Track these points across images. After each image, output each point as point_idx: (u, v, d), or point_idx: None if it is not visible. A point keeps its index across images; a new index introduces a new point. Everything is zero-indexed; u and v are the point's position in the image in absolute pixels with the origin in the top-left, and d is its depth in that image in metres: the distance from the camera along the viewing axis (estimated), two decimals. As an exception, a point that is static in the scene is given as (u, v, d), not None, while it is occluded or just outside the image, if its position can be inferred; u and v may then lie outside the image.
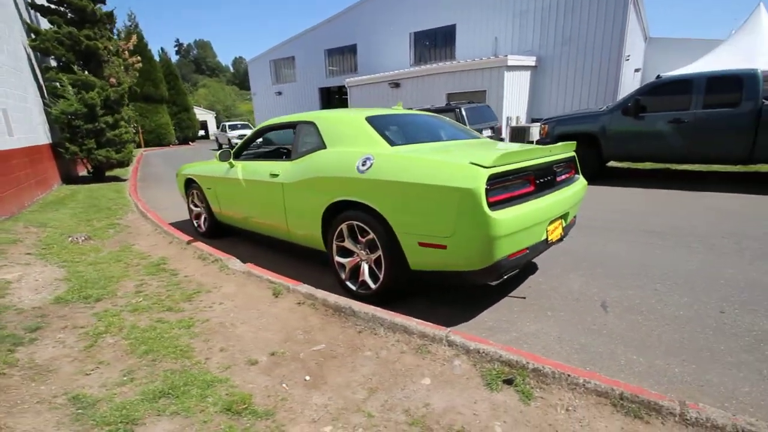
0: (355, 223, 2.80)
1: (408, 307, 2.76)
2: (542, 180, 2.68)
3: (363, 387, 1.93)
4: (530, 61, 15.39)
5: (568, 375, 1.80)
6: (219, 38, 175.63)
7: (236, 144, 20.37)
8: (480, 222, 2.16)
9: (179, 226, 5.30)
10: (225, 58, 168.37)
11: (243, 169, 3.88)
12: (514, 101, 14.68)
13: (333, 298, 2.72)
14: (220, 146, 24.19)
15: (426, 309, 2.77)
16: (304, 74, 24.39)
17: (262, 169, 3.61)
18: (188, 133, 31.41)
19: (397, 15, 19.54)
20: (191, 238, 4.47)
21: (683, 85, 6.37)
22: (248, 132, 22.80)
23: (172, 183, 10.45)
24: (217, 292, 3.10)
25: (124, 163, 9.97)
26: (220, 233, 4.82)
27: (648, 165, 8.51)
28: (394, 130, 3.09)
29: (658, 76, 6.95)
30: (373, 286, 2.80)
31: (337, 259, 3.03)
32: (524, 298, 2.89)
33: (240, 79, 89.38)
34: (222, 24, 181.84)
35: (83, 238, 4.65)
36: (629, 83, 16.84)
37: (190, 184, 4.92)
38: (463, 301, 2.89)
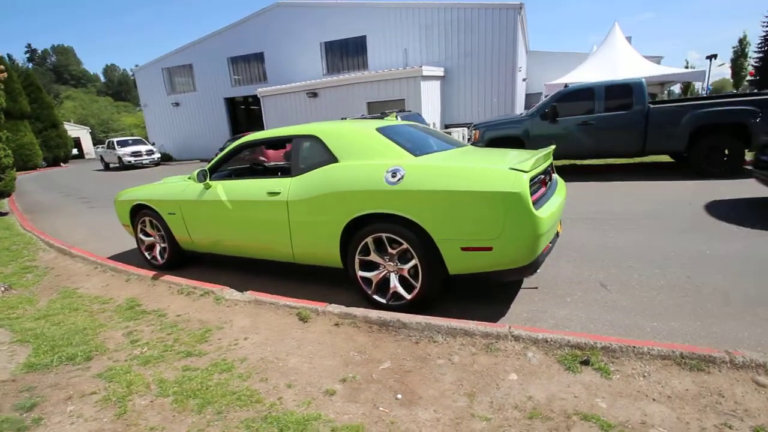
0: (385, 235, 2.78)
1: (440, 311, 2.83)
2: (548, 181, 3.00)
3: (459, 394, 1.96)
4: (440, 71, 16.55)
5: (633, 347, 2.07)
6: (83, 43, 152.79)
7: (130, 162, 18.23)
8: (528, 222, 2.35)
9: (120, 259, 4.59)
10: (92, 66, 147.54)
11: (225, 189, 3.54)
12: (429, 109, 15.60)
13: (374, 313, 2.67)
14: (106, 166, 21.20)
15: (460, 311, 2.87)
16: (205, 83, 22.66)
17: (255, 187, 3.35)
18: (59, 152, 26.91)
19: (306, 24, 19.38)
20: (155, 272, 3.92)
21: (587, 92, 7.54)
22: (143, 147, 20.39)
23: (70, 210, 8.86)
24: (229, 327, 2.79)
25: (3, 194, 8.18)
26: (181, 263, 4.31)
27: (566, 161, 9.82)
28: (404, 141, 3.15)
29: (566, 86, 8.08)
30: (407, 296, 2.82)
31: (361, 273, 2.97)
32: (536, 288, 3.18)
33: (114, 89, 79.15)
34: (85, 26, 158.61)
35: (2, 289, 3.76)
36: (520, 92, 19.16)
37: (138, 211, 4.30)
38: (486, 299, 3.06)
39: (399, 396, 1.97)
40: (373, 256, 2.90)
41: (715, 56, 32.28)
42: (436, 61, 17.05)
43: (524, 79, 21.91)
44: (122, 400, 2.01)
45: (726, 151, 6.77)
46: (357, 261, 2.96)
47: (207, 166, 3.79)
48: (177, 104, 23.65)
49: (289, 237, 3.21)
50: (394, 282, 2.87)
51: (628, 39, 18.37)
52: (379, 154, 2.92)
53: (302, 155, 3.25)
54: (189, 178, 4.19)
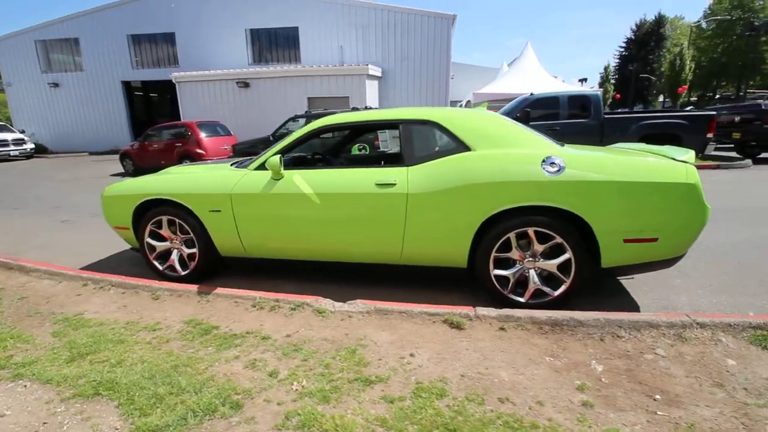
0: (533, 229, 2.61)
1: (570, 307, 2.75)
2: None
3: (707, 385, 1.90)
4: (379, 72, 16.58)
5: (809, 323, 2.27)
6: None
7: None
8: (700, 212, 2.42)
9: (95, 269, 3.56)
10: None
11: (308, 180, 2.95)
12: (373, 108, 15.50)
13: (540, 313, 2.47)
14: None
15: (593, 306, 2.83)
16: (96, 62, 19.11)
17: (357, 178, 2.86)
18: None
19: (229, 7, 17.66)
20: (185, 285, 3.12)
21: (553, 100, 8.27)
22: (10, 136, 16.25)
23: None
24: (373, 344, 2.32)
25: None
26: (212, 274, 3.50)
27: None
28: (532, 130, 2.99)
29: (531, 94, 8.74)
30: (554, 293, 2.68)
31: (497, 272, 2.74)
32: (633, 277, 3.31)
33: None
34: None
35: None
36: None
37: (149, 209, 3.37)
38: (596, 293, 3.08)
39: (657, 397, 1.84)
40: (514, 253, 2.70)
41: (585, 80, 38.49)
42: (372, 61, 17.04)
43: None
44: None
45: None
46: (492, 258, 2.72)
47: (271, 152, 3.13)
48: (56, 85, 19.48)
49: (402, 234, 2.81)
50: (536, 279, 2.71)
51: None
52: (518, 143, 2.74)
53: (416, 143, 2.88)
54: (234, 166, 3.44)
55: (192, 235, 3.29)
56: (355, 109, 11.09)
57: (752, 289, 3.04)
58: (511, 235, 2.66)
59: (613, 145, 3.53)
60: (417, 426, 1.64)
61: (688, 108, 19.31)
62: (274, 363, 2.13)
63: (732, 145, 10.01)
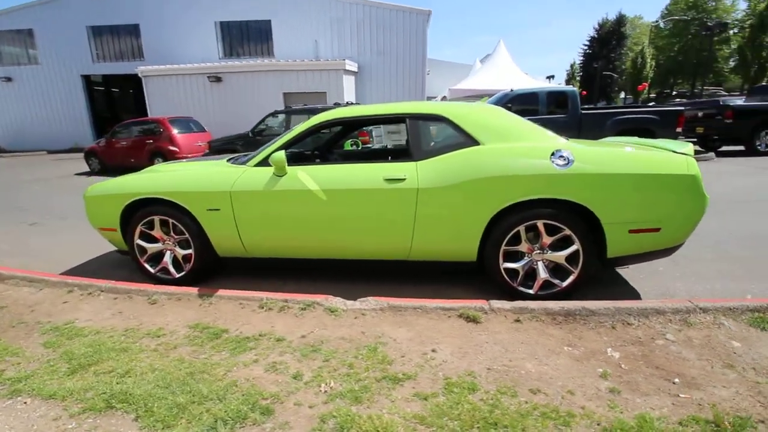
0: (542, 222, 2.65)
1: (577, 297, 2.83)
2: None
3: (718, 367, 1.99)
4: (355, 67, 16.43)
5: (799, 305, 2.42)
6: None
7: None
8: (700, 203, 2.53)
9: (78, 273, 3.36)
10: None
11: (312, 176, 2.88)
12: (355, 104, 15.36)
13: (552, 304, 2.52)
14: None
15: (597, 296, 2.90)
16: (53, 56, 17.96)
17: (364, 173, 2.81)
18: None
19: (197, -1, 16.99)
20: (184, 288, 2.98)
21: (532, 96, 8.45)
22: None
23: None
24: (393, 341, 2.29)
25: None
26: (207, 275, 3.37)
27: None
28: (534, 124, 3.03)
29: (511, 90, 8.90)
30: (562, 283, 2.74)
31: (507, 265, 2.77)
32: (628, 266, 3.43)
33: None
34: None
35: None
36: (424, 93, 20.31)
37: (138, 209, 3.19)
38: (601, 282, 3.17)
39: (676, 380, 1.91)
40: (523, 246, 2.74)
41: (552, 77, 39.68)
42: (348, 56, 16.86)
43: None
44: (406, 453, 1.47)
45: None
46: (502, 252, 2.75)
47: (271, 148, 3.02)
48: (8, 79, 18.18)
49: (411, 230, 2.79)
50: (544, 271, 2.76)
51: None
52: (524, 137, 2.77)
53: (423, 137, 2.86)
54: (230, 162, 3.32)
55: (187, 235, 3.14)
56: (337, 104, 10.94)
57: (739, 275, 3.21)
58: (521, 228, 2.69)
59: (608, 139, 3.63)
60: (457, 421, 1.63)
61: (650, 104, 20.32)
62: (296, 365, 2.07)
63: (695, 139, 10.58)
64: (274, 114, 9.64)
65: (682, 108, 8.29)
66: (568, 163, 2.57)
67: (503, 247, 2.73)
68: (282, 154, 2.79)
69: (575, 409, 1.71)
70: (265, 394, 1.82)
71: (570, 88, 8.49)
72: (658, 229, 2.59)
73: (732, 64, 42.48)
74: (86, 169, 11.46)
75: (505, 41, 20.04)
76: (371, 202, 2.79)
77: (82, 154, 11.96)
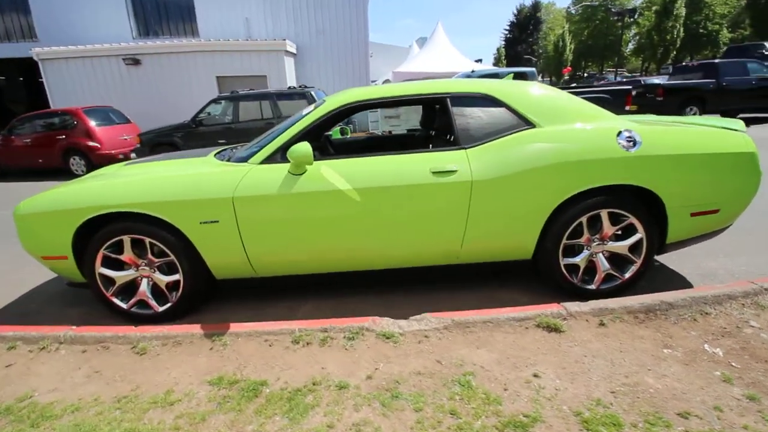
0: (606, 211, 2.40)
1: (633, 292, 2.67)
2: None
3: (824, 356, 1.91)
4: (294, 48, 15.30)
5: None
6: None
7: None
8: (756, 179, 2.44)
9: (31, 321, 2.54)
10: None
11: (341, 172, 2.33)
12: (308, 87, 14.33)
13: (630, 301, 2.30)
14: None
15: (648, 284, 2.77)
16: None
17: (404, 167, 2.33)
18: None
19: (100, -32, 14.53)
20: (202, 325, 2.32)
21: (496, 77, 8.37)
22: None
23: None
24: (482, 372, 1.90)
25: None
26: (198, 304, 2.70)
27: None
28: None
29: (473, 71, 8.74)
30: (624, 275, 2.54)
31: (566, 261, 2.50)
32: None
33: None
34: None
35: None
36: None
37: (100, 228, 2.42)
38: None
39: (801, 377, 1.77)
40: (584, 239, 2.49)
41: (480, 60, 41.03)
42: (284, 36, 15.63)
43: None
44: None
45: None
46: (562, 247, 2.47)
47: (281, 139, 2.42)
48: None
49: (464, 229, 2.40)
50: (605, 264, 2.53)
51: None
52: (582, 117, 2.47)
53: (468, 120, 2.44)
54: (217, 156, 2.66)
55: (172, 257, 2.44)
56: (291, 88, 9.94)
57: (762, 249, 3.28)
58: (583, 219, 2.42)
59: (645, 116, 3.43)
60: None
61: (573, 85, 21.72)
62: (384, 423, 1.59)
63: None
64: (217, 100, 8.53)
65: (631, 87, 8.78)
66: (635, 145, 2.33)
67: (564, 241, 2.46)
68: (307, 147, 2.21)
69: (739, 431, 1.47)
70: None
71: (530, 69, 8.58)
72: (717, 211, 2.47)
73: (632, 47, 47.26)
74: (-26, 173, 9.35)
75: (431, 25, 20.01)
76: (417, 200, 2.33)
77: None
